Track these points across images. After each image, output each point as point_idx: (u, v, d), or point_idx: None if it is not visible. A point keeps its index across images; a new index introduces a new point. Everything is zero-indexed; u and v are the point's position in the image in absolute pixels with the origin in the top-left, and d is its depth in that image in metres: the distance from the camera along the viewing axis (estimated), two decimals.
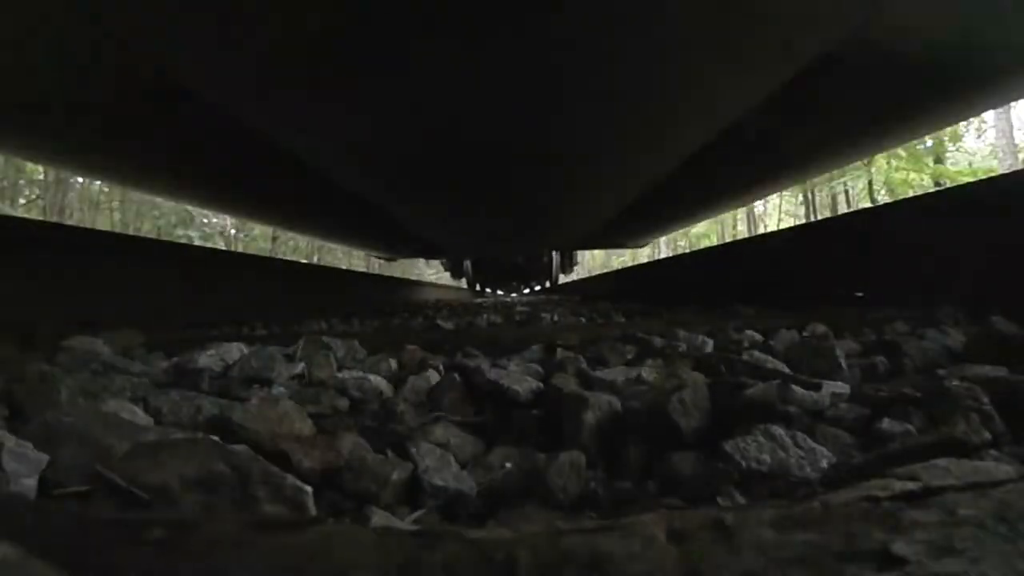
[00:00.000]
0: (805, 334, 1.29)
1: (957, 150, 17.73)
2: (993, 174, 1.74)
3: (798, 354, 0.96)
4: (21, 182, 15.65)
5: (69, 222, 13.11)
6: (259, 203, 3.54)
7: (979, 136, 18.89)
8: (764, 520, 0.31)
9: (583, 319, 2.33)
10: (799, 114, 2.20)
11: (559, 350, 1.19)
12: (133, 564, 0.29)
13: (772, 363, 0.91)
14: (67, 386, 0.77)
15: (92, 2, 1.18)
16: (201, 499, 0.48)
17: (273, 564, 0.29)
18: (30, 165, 15.33)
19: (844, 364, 0.89)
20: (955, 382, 0.67)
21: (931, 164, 16.17)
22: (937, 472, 0.38)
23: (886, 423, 0.62)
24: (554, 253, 9.16)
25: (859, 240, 2.42)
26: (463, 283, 11.01)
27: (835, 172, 17.92)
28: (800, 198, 21.67)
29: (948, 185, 1.97)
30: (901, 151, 16.48)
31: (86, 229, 2.11)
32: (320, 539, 0.31)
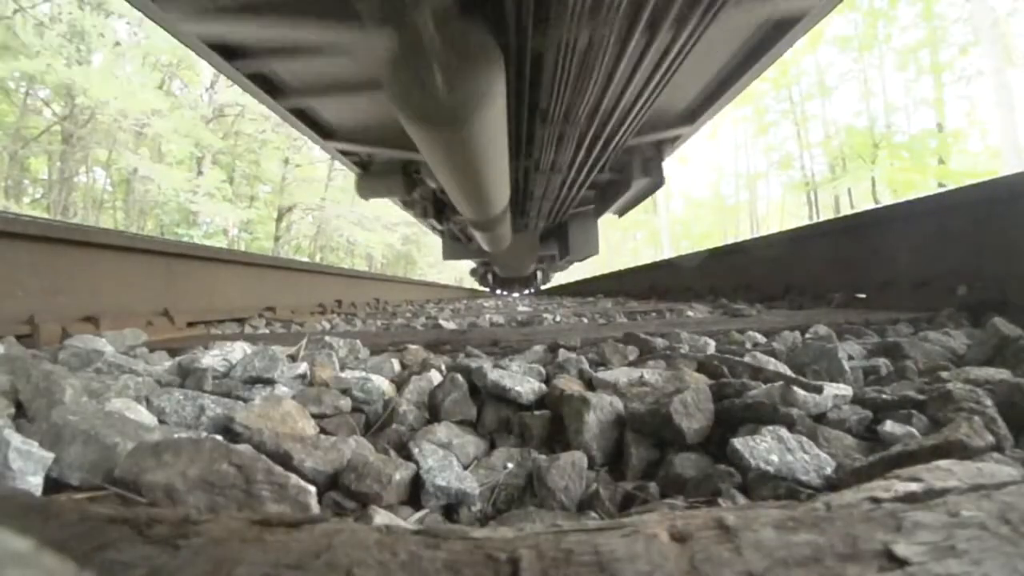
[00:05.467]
0: (808, 336, 1.29)
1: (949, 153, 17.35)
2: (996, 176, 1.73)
3: (800, 356, 0.96)
4: (25, 181, 15.70)
5: (73, 220, 13.17)
6: None
7: (982, 138, 18.67)
8: (766, 520, 0.31)
9: (584, 319, 2.33)
10: None
11: (561, 351, 1.19)
12: (139, 560, 0.29)
13: (774, 365, 0.90)
14: (71, 385, 0.78)
15: None
16: (205, 498, 0.48)
17: (277, 561, 0.29)
18: (34, 165, 15.39)
19: (847, 366, 0.89)
20: (958, 385, 0.67)
21: (935, 163, 16.07)
22: (940, 474, 0.38)
23: (889, 425, 0.62)
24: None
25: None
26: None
27: (838, 173, 17.88)
28: (804, 198, 21.66)
29: (949, 186, 1.97)
30: (904, 152, 16.40)
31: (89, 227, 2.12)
32: (324, 537, 0.31)
